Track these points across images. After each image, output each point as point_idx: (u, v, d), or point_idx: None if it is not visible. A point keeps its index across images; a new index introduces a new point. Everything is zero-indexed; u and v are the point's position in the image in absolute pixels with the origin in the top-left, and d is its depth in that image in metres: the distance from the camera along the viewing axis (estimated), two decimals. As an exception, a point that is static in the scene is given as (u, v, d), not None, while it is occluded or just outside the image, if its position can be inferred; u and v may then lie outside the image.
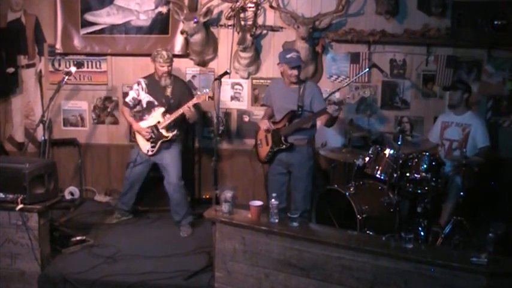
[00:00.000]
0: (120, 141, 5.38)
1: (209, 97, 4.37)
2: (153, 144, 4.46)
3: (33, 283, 3.66)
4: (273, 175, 4.24)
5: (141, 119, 4.54)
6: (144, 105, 4.53)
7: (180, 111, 4.34)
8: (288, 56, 4.00)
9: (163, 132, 4.42)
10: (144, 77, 4.57)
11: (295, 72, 3.99)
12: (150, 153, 4.48)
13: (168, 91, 4.46)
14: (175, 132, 4.45)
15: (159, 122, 4.43)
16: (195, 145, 5.27)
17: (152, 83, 4.50)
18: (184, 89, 4.59)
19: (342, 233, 3.52)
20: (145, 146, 4.50)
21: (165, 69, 4.38)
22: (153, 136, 4.43)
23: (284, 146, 4.06)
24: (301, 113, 4.02)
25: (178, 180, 4.50)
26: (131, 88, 4.62)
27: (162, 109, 4.44)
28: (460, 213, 3.99)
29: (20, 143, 5.45)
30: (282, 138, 4.06)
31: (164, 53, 4.35)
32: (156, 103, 4.47)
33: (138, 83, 4.54)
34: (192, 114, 4.39)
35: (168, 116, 4.40)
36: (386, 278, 2.95)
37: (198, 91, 4.89)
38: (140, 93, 4.53)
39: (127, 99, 4.59)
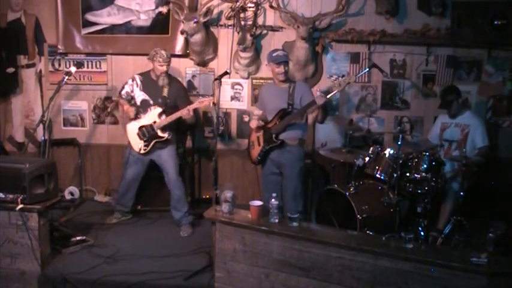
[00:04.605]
0: (120, 141, 5.33)
1: (213, 103, 4.29)
2: (146, 143, 4.44)
3: (33, 283, 3.65)
4: (266, 175, 4.28)
5: (136, 118, 4.50)
6: (139, 103, 4.50)
7: (178, 114, 4.32)
8: (274, 54, 4.11)
9: (159, 132, 4.40)
10: (140, 74, 4.56)
11: (281, 69, 4.06)
12: (142, 151, 4.46)
13: (165, 91, 4.42)
14: (169, 133, 4.44)
15: (154, 122, 4.41)
16: (195, 145, 5.27)
17: (148, 82, 4.48)
18: (180, 90, 4.58)
19: (342, 233, 3.52)
20: (137, 144, 4.47)
21: (164, 68, 4.38)
22: (147, 135, 4.41)
23: (275, 144, 4.08)
24: (292, 111, 4.06)
25: (176, 176, 4.52)
26: (126, 83, 4.59)
27: (159, 109, 4.41)
28: (460, 213, 3.99)
29: (20, 143, 5.45)
30: (273, 136, 4.09)
31: (163, 52, 4.35)
32: (151, 102, 4.44)
33: (133, 79, 4.53)
34: (191, 117, 4.39)
35: (164, 117, 4.39)
36: (386, 278, 2.95)
37: (200, 96, 4.89)
38: (134, 90, 4.50)
39: (122, 92, 4.57)
